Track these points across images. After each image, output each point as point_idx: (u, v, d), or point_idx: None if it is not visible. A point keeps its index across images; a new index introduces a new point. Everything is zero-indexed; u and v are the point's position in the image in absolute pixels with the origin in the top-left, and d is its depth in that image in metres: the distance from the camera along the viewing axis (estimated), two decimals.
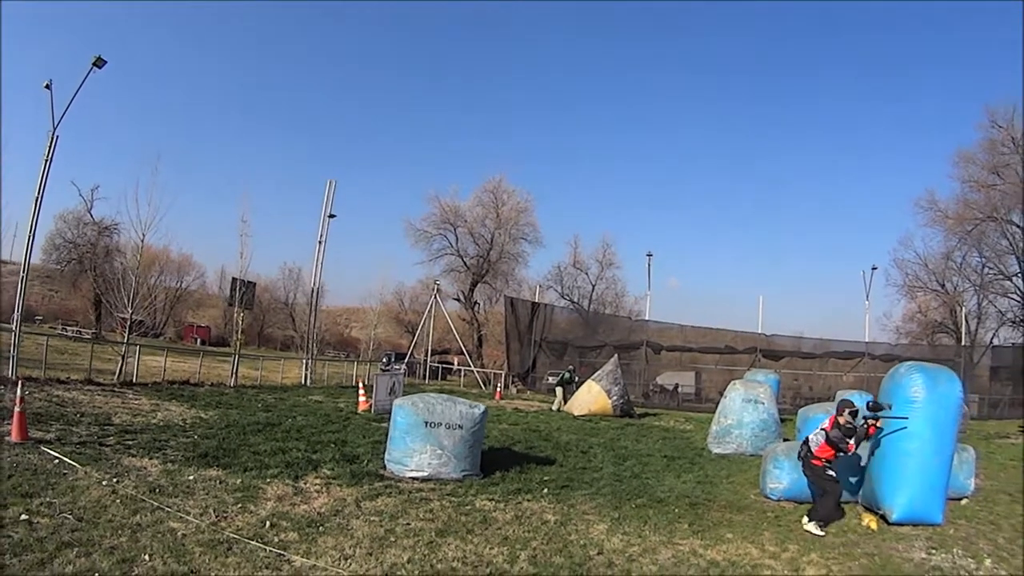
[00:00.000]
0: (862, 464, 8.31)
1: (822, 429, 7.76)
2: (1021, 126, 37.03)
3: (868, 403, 7.94)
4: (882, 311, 49.64)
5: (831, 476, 7.53)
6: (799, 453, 7.96)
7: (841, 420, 7.60)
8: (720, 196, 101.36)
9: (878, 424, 7.82)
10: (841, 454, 7.58)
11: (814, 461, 7.62)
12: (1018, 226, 37.87)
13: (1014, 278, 38.73)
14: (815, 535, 7.12)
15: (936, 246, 41.36)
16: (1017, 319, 38.73)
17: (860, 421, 7.69)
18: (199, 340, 57.52)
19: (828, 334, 36.25)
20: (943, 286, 41.08)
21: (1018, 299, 38.78)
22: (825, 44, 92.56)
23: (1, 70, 43.36)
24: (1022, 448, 15.69)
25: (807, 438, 7.91)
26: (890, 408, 7.76)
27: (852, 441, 7.52)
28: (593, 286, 45.80)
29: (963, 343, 35.98)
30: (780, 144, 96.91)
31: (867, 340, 33.30)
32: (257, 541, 5.59)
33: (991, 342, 38.18)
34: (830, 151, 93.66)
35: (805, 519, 7.46)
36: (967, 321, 38.60)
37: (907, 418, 7.58)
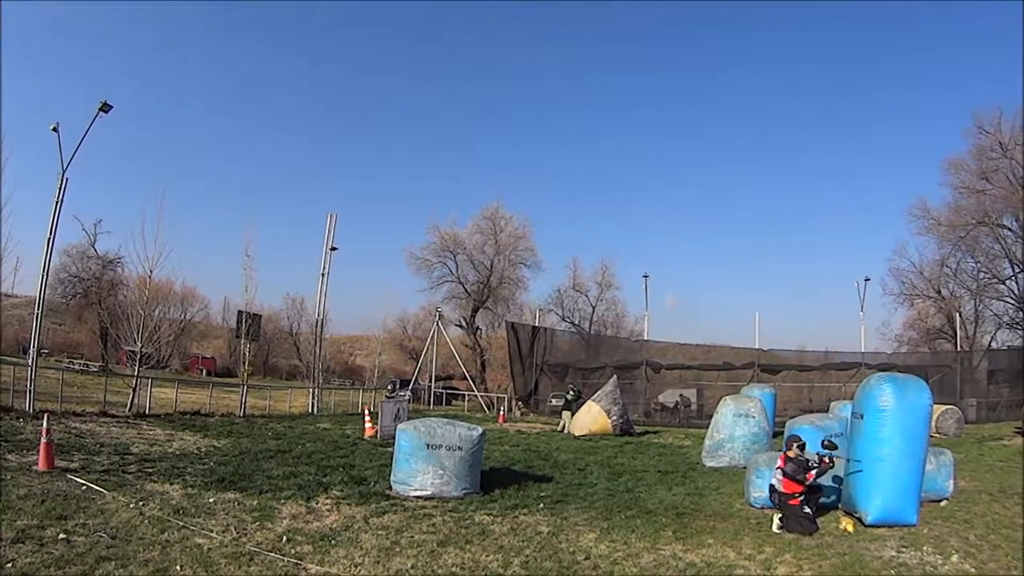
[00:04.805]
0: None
1: (778, 468, 8.21)
2: (1008, 130, 37.41)
3: (823, 441, 8.44)
4: (881, 320, 49.77)
5: (808, 514, 7.81)
6: (771, 499, 8.32)
7: (791, 454, 8.11)
8: (716, 210, 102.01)
9: (833, 462, 8.22)
10: (805, 487, 7.91)
11: (791, 502, 7.90)
12: (1010, 229, 38.22)
13: (1008, 281, 39.00)
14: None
15: (930, 253, 41.57)
16: (1013, 322, 38.87)
17: (814, 456, 8.16)
18: (205, 371, 57.99)
19: (831, 345, 36.68)
20: (939, 292, 41.18)
21: (1013, 302, 38.90)
22: (815, 46, 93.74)
23: (2, 73, 43.73)
24: (1017, 450, 15.87)
25: (771, 484, 8.31)
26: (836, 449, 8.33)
27: (813, 471, 7.94)
28: (593, 308, 45.80)
29: (960, 348, 36.08)
30: (772, 154, 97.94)
31: (863, 350, 33.76)
32: (276, 553, 6.18)
33: (988, 346, 38.20)
34: (824, 161, 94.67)
35: (776, 521, 7.88)
36: (964, 326, 38.65)
37: (860, 461, 8.13)
